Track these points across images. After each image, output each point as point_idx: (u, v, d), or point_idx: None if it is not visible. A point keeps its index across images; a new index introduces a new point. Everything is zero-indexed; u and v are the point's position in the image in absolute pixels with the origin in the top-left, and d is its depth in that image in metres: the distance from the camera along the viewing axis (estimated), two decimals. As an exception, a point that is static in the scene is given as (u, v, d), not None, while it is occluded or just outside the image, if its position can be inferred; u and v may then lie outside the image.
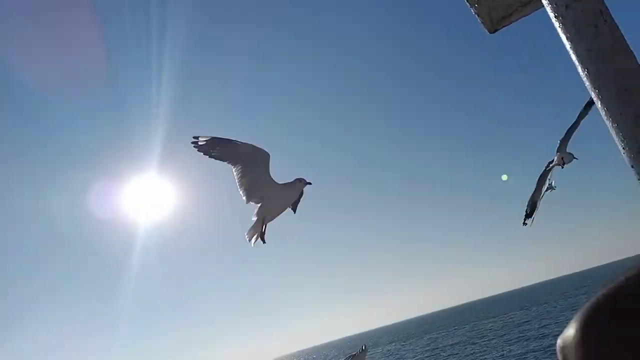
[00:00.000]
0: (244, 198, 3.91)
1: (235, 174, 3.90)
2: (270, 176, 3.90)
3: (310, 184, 4.04)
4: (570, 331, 0.60)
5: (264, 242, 4.01)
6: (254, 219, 4.00)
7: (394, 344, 77.91)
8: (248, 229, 4.04)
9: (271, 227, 3.98)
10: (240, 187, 3.92)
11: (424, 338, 69.28)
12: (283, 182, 3.97)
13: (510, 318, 58.16)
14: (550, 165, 5.43)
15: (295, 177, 4.05)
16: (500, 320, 59.29)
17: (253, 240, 4.06)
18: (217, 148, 3.80)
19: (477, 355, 34.30)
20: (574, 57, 1.57)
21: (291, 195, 4.01)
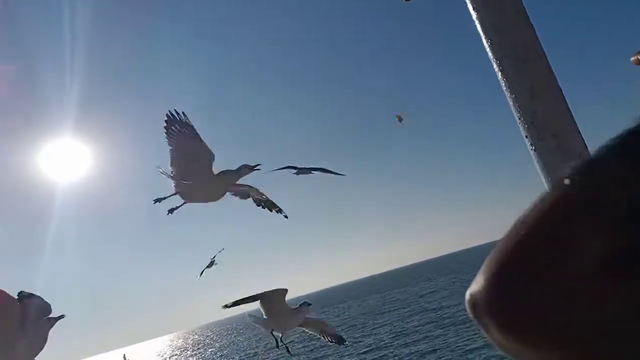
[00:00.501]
0: (173, 175, 3.80)
1: (172, 155, 3.79)
2: (210, 170, 3.80)
3: (257, 168, 3.94)
4: (479, 281, 0.59)
5: (169, 213, 3.95)
6: (172, 191, 3.88)
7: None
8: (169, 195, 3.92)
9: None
10: (173, 168, 3.81)
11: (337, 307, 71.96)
12: (224, 172, 3.86)
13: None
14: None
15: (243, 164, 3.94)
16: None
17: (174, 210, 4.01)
18: (181, 131, 3.72)
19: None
20: (479, 28, 1.61)
21: (220, 187, 3.88)
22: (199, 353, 60.30)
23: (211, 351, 58.24)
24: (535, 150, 1.54)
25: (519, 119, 1.50)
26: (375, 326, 35.05)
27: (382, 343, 27.53)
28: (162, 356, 74.22)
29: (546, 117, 1.49)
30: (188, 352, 66.37)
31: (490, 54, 1.59)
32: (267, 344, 45.74)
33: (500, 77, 1.57)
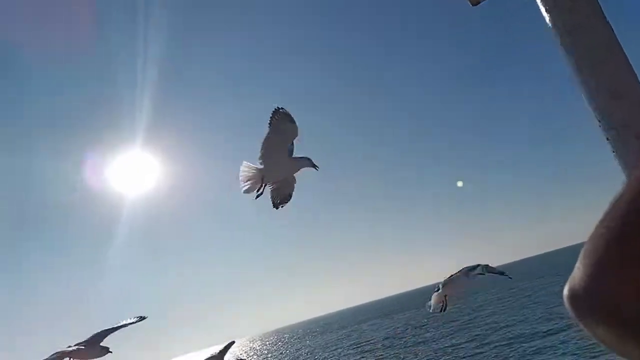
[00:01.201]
0: (259, 154, 4.31)
1: (267, 135, 4.25)
2: (286, 148, 4.33)
3: (316, 168, 4.39)
4: (578, 274, 0.56)
5: (258, 195, 4.37)
6: (255, 177, 4.39)
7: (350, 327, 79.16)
8: (249, 185, 4.42)
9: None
10: (261, 147, 4.30)
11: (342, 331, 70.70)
12: (295, 156, 4.37)
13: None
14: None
15: (307, 157, 4.42)
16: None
17: (253, 193, 4.49)
18: (281, 118, 4.21)
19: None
20: (552, 31, 1.56)
21: (293, 167, 4.40)
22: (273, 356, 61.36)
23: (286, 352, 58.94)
24: (616, 152, 1.48)
25: (599, 122, 1.44)
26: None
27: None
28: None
29: (628, 119, 1.43)
30: (255, 357, 67.63)
31: (564, 56, 1.53)
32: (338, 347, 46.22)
33: (576, 79, 1.50)
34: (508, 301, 44.09)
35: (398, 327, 49.69)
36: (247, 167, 4.35)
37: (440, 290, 5.80)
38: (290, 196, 4.50)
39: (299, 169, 4.42)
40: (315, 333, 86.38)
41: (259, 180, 4.36)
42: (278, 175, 4.42)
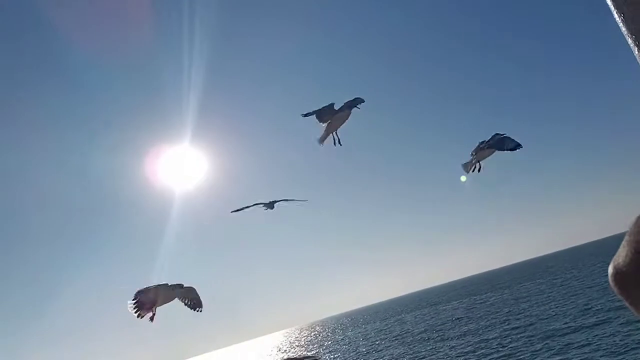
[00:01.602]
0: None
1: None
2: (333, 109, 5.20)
3: (361, 102, 5.15)
4: (622, 253, 0.59)
5: (339, 144, 5.36)
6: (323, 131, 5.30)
7: (421, 310, 79.01)
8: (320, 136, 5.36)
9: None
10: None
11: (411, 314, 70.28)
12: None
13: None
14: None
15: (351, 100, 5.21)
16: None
17: (324, 142, 5.39)
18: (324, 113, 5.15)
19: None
20: (609, 2, 1.44)
21: (343, 117, 5.20)
22: (323, 344, 62.94)
23: (328, 344, 59.90)
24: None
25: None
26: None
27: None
28: (281, 349, 77.99)
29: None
30: (305, 346, 68.83)
31: (623, 29, 1.42)
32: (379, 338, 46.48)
33: (637, 53, 1.39)
34: (551, 293, 43.42)
35: (439, 319, 49.91)
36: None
37: (472, 159, 5.73)
38: None
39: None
40: (360, 323, 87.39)
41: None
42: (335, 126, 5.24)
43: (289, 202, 6.78)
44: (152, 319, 5.11)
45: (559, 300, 36.16)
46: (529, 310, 35.33)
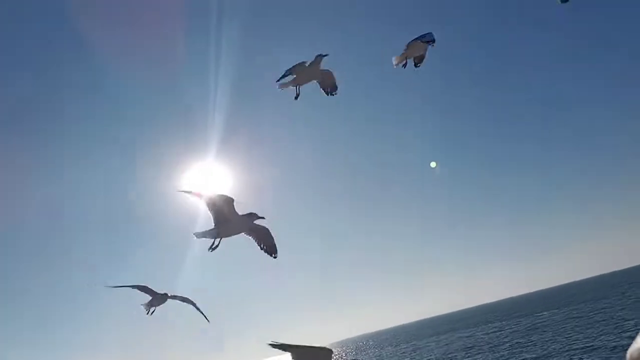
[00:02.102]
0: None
1: None
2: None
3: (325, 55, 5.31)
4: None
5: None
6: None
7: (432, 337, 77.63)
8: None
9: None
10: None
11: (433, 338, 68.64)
12: None
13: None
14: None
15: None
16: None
17: (283, 88, 5.39)
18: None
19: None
20: None
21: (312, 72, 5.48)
22: None
23: None
24: None
25: None
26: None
27: None
28: None
29: None
30: None
31: None
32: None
33: None
34: (566, 324, 42.22)
35: (453, 346, 49.08)
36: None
37: (403, 52, 5.81)
38: None
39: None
40: (380, 346, 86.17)
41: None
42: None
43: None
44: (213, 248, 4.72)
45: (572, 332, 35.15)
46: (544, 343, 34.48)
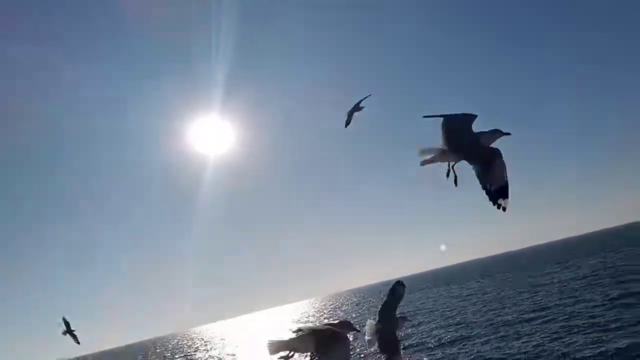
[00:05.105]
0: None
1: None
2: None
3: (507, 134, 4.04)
4: None
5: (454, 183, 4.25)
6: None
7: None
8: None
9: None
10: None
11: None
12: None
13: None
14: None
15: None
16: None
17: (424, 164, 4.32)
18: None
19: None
20: None
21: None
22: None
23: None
24: None
25: None
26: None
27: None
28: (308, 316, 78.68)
29: None
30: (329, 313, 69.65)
31: None
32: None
33: None
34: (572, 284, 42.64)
35: (452, 299, 50.41)
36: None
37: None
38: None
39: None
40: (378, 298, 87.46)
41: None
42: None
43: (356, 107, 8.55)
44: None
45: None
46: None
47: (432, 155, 4.12)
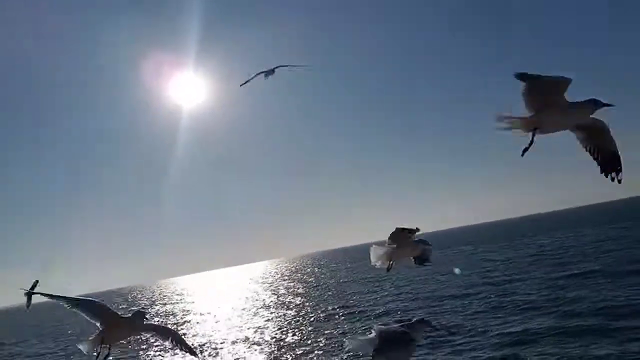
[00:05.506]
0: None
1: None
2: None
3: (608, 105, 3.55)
4: None
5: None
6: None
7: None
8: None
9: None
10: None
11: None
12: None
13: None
14: None
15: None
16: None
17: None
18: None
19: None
20: None
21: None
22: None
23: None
24: None
25: None
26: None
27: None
28: (265, 278, 79.52)
29: None
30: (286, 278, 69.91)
31: None
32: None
33: None
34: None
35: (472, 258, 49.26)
36: None
37: (389, 250, 4.88)
38: None
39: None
40: (352, 260, 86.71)
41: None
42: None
43: (290, 68, 7.49)
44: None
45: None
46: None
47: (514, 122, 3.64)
